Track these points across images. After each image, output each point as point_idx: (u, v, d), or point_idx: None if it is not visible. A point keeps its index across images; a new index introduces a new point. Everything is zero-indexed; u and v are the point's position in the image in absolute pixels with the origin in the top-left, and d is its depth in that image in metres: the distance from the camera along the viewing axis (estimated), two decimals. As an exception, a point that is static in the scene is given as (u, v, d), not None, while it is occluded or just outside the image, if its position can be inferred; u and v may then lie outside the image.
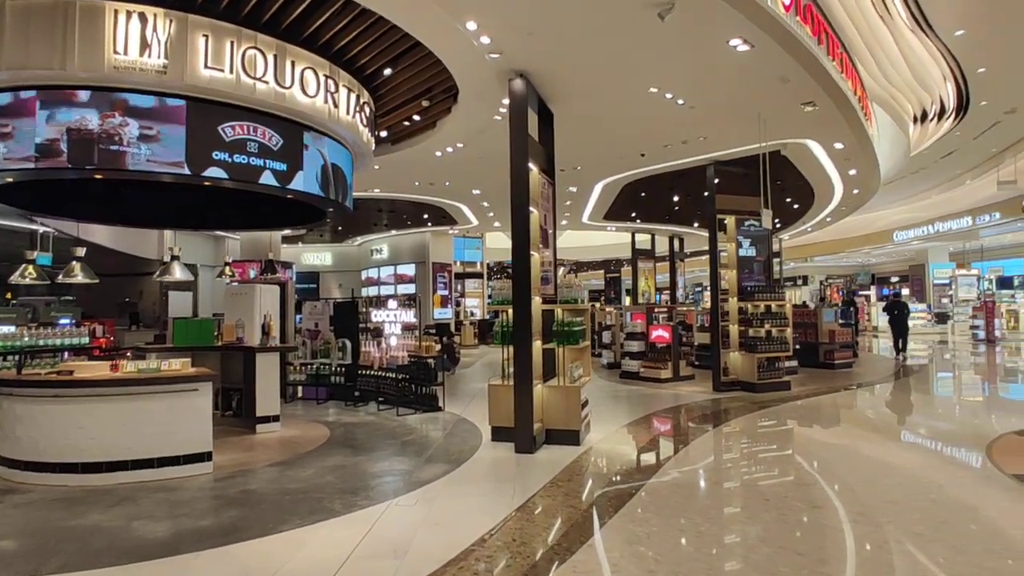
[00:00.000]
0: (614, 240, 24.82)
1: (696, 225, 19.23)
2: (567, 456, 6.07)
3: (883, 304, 22.15)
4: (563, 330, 6.61)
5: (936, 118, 13.22)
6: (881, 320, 27.22)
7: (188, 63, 5.44)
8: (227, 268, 12.76)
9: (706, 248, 27.11)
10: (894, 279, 34.90)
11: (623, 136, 9.32)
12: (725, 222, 10.61)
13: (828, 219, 17.63)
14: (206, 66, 5.52)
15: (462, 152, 10.09)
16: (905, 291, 32.61)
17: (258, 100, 5.91)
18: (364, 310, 10.28)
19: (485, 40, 5.90)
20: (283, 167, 6.24)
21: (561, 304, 6.89)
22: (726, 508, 4.67)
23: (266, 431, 7.56)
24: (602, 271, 32.95)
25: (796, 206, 15.27)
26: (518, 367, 6.28)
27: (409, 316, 9.71)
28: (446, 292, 20.26)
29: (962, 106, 12.91)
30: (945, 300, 27.41)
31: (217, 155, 5.72)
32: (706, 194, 10.74)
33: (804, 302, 26.86)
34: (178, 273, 9.95)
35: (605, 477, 5.44)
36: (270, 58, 5.94)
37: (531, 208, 6.47)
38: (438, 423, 8.07)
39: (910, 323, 26.07)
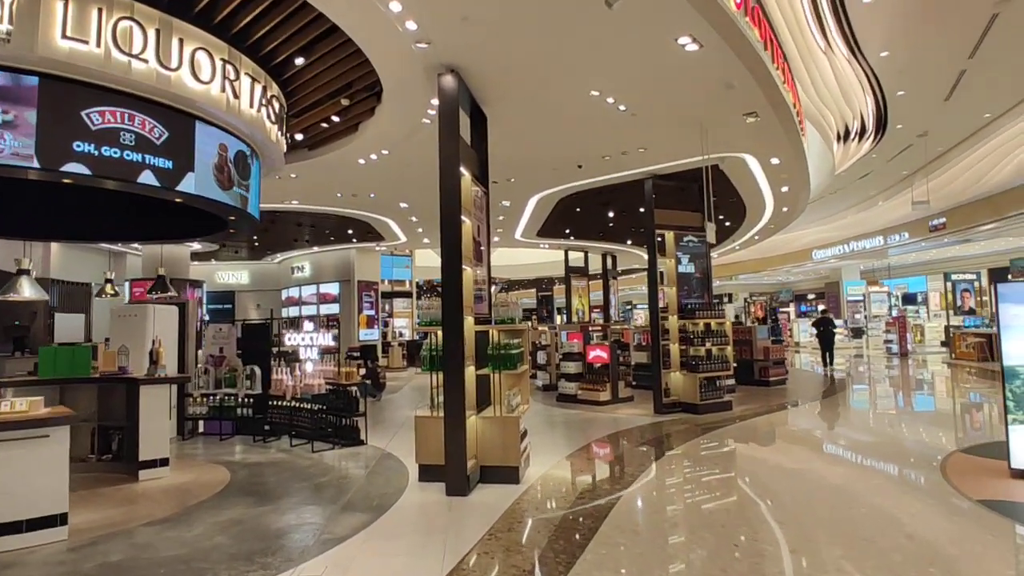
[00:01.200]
0: (546, 258, 24.49)
1: (629, 243, 19.12)
2: (506, 498, 5.33)
3: (811, 320, 22.90)
4: (499, 353, 5.91)
5: (857, 137, 13.59)
6: (803, 336, 28.25)
7: (40, 31, 4.42)
8: (108, 286, 11.28)
9: (637, 266, 27.38)
10: (811, 296, 36.49)
11: (561, 145, 8.82)
12: (664, 238, 10.31)
13: (756, 237, 17.92)
14: (64, 36, 4.50)
15: (387, 160, 9.29)
16: (821, 307, 34.17)
17: (135, 82, 4.92)
18: (277, 333, 9.20)
19: (411, 26, 5.19)
20: (168, 164, 5.26)
21: (497, 325, 6.21)
22: (692, 555, 4.06)
23: (151, 477, 6.39)
24: (534, 289, 32.59)
25: (728, 223, 15.35)
26: (449, 396, 5.51)
27: (328, 339, 8.72)
28: (372, 312, 19.17)
29: (880, 127, 13.34)
30: (858, 316, 28.75)
31: (79, 147, 4.69)
32: (642, 210, 10.43)
33: (738, 318, 27.45)
34: (27, 290, 8.55)
35: (550, 523, 4.74)
36: (151, 33, 4.98)
37: (463, 218, 5.77)
38: (359, 460, 7.15)
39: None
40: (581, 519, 4.79)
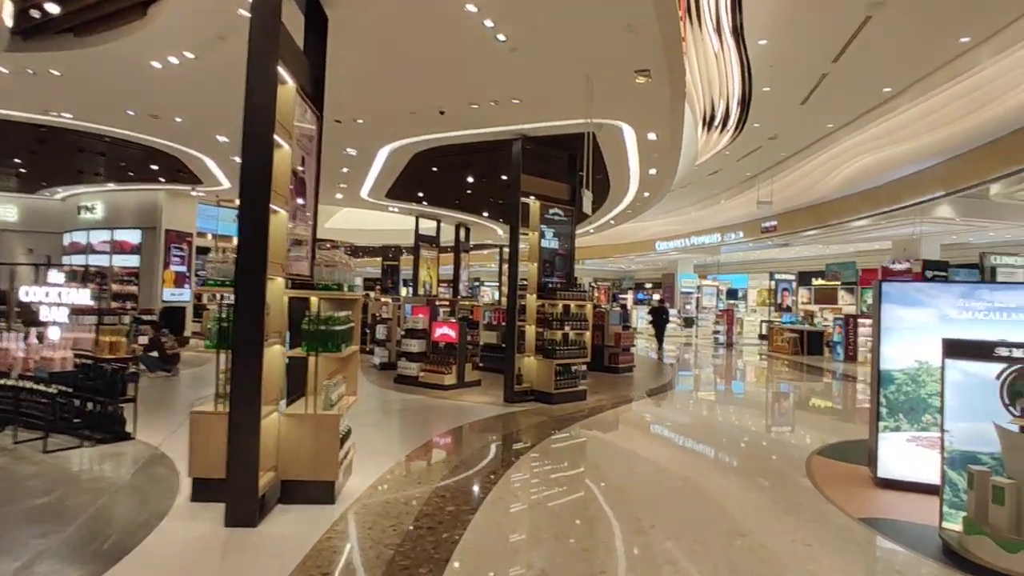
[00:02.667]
0: (395, 224, 22.63)
1: (486, 214, 18.06)
2: (313, 527, 3.89)
3: (647, 308, 23.74)
4: (319, 329, 4.39)
5: (720, 127, 13.66)
6: (640, 322, 29.50)
7: None
8: None
9: (490, 241, 26.52)
10: (648, 285, 38.53)
11: (423, 79, 7.31)
12: (529, 208, 9.28)
13: (612, 221, 17.79)
14: None
15: (195, 70, 7.13)
16: (656, 296, 36.18)
17: None
18: (10, 285, 6.72)
19: None
20: None
21: (320, 291, 4.66)
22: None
23: None
24: (380, 258, 30.46)
25: (590, 214, 14.83)
26: (238, 385, 3.90)
27: (85, 296, 6.47)
28: (183, 268, 16.14)
29: (741, 123, 13.52)
30: (689, 307, 30.71)
31: None
32: (505, 178, 9.30)
33: (597, 304, 27.85)
34: None
35: (374, 567, 3.40)
36: None
37: (278, 139, 4.14)
38: (116, 464, 5.24)
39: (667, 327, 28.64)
40: (419, 556, 3.51)
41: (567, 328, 9.01)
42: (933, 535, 3.93)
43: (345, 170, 12.12)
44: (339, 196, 15.29)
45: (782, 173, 17.01)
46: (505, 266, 8.74)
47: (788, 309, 21.85)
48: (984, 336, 4.22)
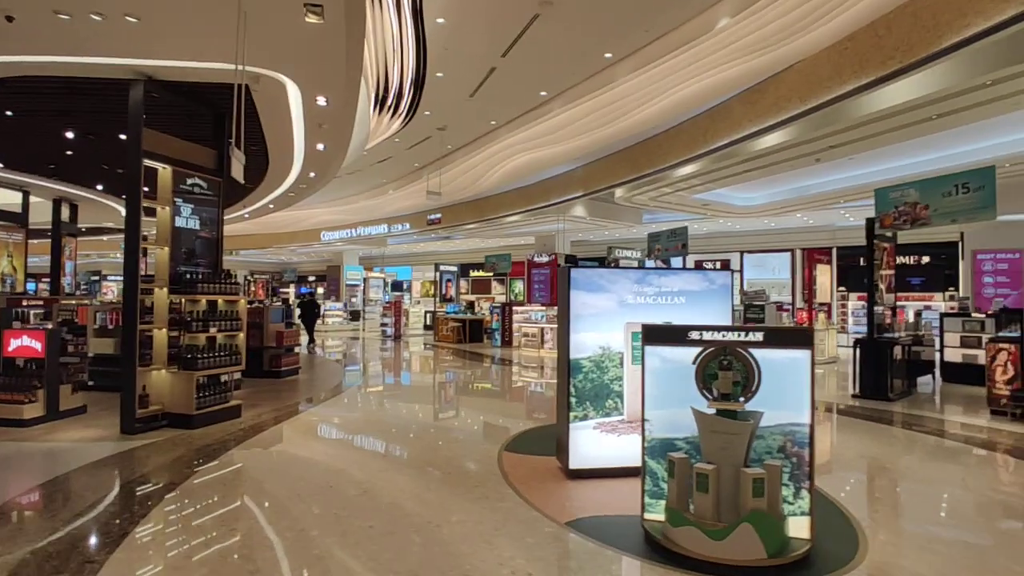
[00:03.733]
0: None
1: (101, 187, 13.99)
2: None
3: (296, 302, 22.11)
4: None
5: (392, 111, 13.05)
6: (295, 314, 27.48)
7: None
8: None
9: (113, 224, 21.14)
10: (312, 278, 36.47)
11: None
12: (157, 174, 7.04)
13: (271, 205, 15.71)
14: None
15: None
16: (321, 289, 34.46)
17: None
18: None
19: None
20: None
21: None
22: None
23: None
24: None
25: (243, 182, 12.57)
26: None
27: None
28: None
29: (412, 108, 13.15)
30: (355, 299, 29.97)
31: None
32: (124, 137, 6.85)
33: (253, 300, 24.57)
34: None
35: None
36: None
37: None
38: None
39: (329, 321, 27.23)
40: None
41: (214, 329, 7.11)
42: (636, 527, 3.78)
43: None
44: None
45: (449, 166, 17.44)
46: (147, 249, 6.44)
47: (451, 299, 22.85)
48: (653, 319, 4.32)
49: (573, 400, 4.98)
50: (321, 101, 7.63)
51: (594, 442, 4.99)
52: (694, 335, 3.65)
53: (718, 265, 22.21)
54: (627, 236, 22.87)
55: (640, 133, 10.82)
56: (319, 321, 21.97)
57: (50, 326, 10.60)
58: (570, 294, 4.97)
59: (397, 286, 33.35)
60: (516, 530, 3.92)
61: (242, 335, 7.52)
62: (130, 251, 6.57)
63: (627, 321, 4.94)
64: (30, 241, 14.28)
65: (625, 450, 4.92)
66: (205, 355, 6.90)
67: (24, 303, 9.86)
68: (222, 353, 7.13)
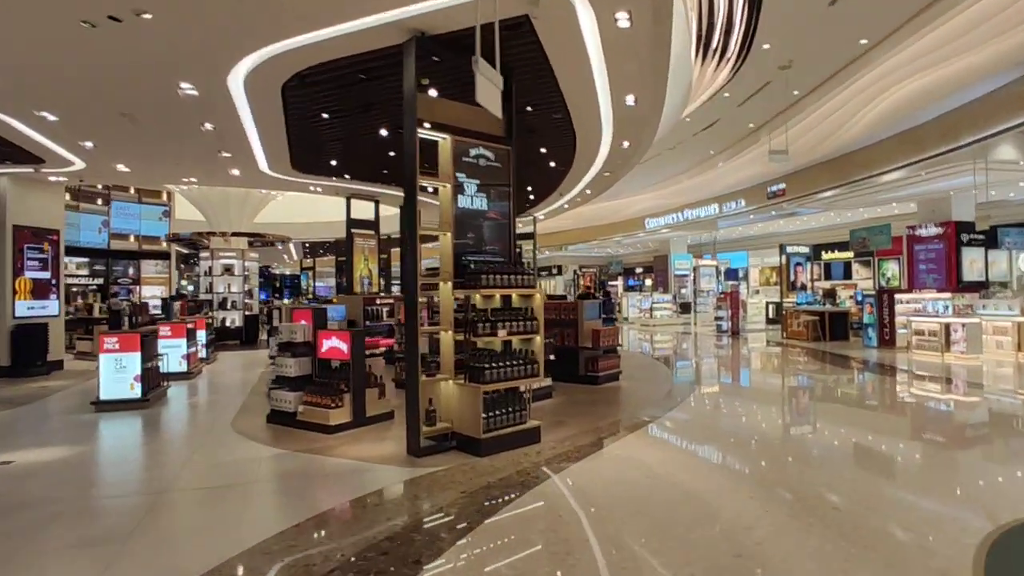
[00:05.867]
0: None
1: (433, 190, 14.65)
2: None
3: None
4: None
5: (719, 54, 10.37)
6: (631, 311, 26.27)
7: None
8: None
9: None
10: (639, 270, 35.33)
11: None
12: (439, 147, 5.97)
13: (588, 191, 14.47)
14: None
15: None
16: (649, 282, 33.00)
17: None
18: None
19: None
20: None
21: None
22: None
23: None
24: (333, 256, 26.99)
25: (552, 163, 11.50)
26: None
27: None
28: (46, 274, 12.68)
29: (746, 45, 10.24)
30: (684, 290, 27.54)
31: None
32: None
33: (565, 294, 24.63)
34: None
35: None
36: None
37: None
38: None
39: (657, 314, 25.46)
40: None
41: (504, 331, 5.70)
42: None
43: (208, 126, 8.72)
44: (235, 172, 11.91)
45: (795, 120, 13.74)
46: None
47: (803, 288, 18.63)
48: None
49: None
50: (622, 21, 5.57)
51: None
52: None
53: None
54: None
55: None
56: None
57: (391, 323, 11.19)
58: None
59: (731, 274, 29.70)
60: None
61: (539, 338, 5.96)
62: (409, 235, 5.56)
63: None
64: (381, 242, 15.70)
65: None
66: (494, 363, 5.53)
67: (377, 301, 10.51)
68: (514, 362, 5.68)
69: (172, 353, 10.66)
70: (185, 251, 24.31)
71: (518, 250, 16.99)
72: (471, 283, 5.62)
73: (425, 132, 5.67)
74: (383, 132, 9.25)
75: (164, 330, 10.76)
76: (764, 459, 5.45)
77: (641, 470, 5.02)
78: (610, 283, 34.25)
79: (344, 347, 6.73)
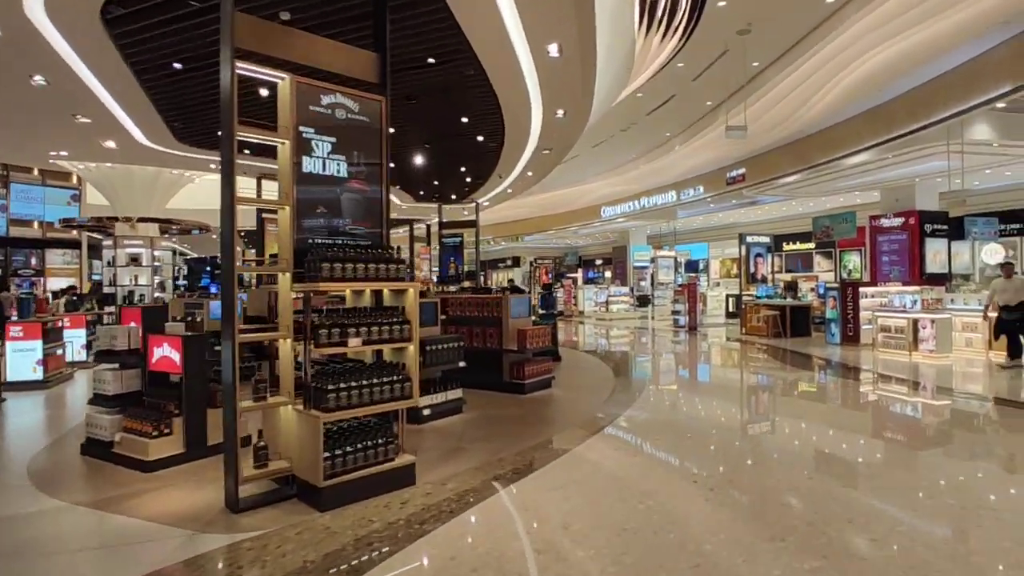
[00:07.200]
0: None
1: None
2: None
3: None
4: None
5: (666, 21, 9.04)
6: (587, 304, 25.05)
7: None
8: None
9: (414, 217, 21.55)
10: (598, 262, 34.23)
11: None
12: (275, 91, 4.46)
13: (529, 172, 13.07)
14: None
15: None
16: (608, 274, 31.89)
17: None
18: None
19: None
20: None
21: None
22: None
23: None
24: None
25: (479, 137, 10.03)
26: None
27: None
28: None
29: (696, 10, 8.94)
30: (643, 282, 26.46)
31: None
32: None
33: (508, 285, 23.25)
34: None
35: None
36: None
37: None
38: None
39: (613, 307, 24.28)
40: None
41: (355, 339, 4.23)
42: None
43: (38, 78, 6.99)
44: (111, 144, 10.13)
45: (754, 96, 12.55)
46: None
47: (764, 280, 17.61)
48: None
49: None
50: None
51: None
52: None
53: None
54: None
55: None
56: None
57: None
58: None
59: (692, 266, 28.75)
60: None
61: (412, 347, 4.52)
62: (225, 212, 4.03)
63: None
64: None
65: None
66: (344, 383, 4.07)
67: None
68: (377, 379, 4.23)
69: (22, 358, 8.96)
70: (100, 238, 22.16)
71: (458, 240, 15.52)
72: (311, 274, 4.13)
73: (250, 68, 4.14)
74: (263, 91, 7.65)
75: (15, 330, 9.04)
76: (711, 503, 4.11)
77: (541, 531, 3.63)
78: (568, 275, 33.06)
79: (176, 357, 5.18)
